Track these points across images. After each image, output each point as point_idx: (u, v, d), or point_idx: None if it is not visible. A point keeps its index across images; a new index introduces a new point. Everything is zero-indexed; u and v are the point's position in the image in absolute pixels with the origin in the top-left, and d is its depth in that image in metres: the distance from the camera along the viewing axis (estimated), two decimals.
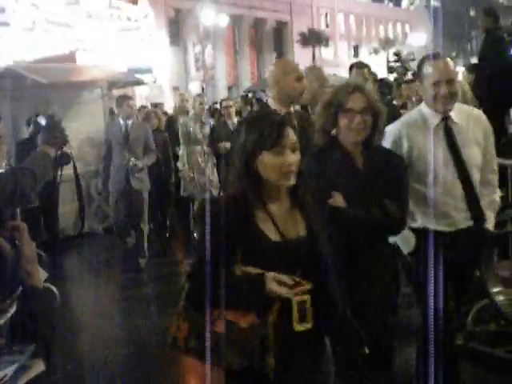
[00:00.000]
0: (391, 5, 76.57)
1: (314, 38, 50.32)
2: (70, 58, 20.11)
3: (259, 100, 12.41)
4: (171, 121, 11.93)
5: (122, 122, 9.06)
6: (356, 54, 59.93)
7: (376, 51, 56.39)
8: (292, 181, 2.69)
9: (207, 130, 10.23)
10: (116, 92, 15.46)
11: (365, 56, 52.15)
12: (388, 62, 14.97)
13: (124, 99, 9.28)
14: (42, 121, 7.90)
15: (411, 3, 78.65)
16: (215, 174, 10.22)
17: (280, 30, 52.39)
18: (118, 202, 9.17)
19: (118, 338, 6.70)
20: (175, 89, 25.53)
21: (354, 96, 3.66)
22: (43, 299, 2.13)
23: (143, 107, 14.77)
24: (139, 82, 18.11)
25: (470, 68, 8.89)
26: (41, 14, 24.82)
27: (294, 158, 2.68)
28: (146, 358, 6.04)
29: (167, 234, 11.29)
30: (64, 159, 6.47)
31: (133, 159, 8.89)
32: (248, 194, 2.69)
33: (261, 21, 49.37)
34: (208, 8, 37.54)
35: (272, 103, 4.72)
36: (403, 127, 4.10)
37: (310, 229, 2.77)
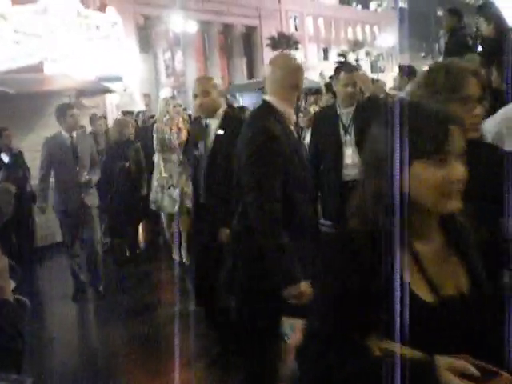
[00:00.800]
0: (359, 7, 77.03)
1: (283, 42, 50.44)
2: (38, 67, 19.98)
3: (230, 106, 12.37)
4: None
5: (65, 134, 8.15)
6: (326, 57, 60.23)
7: (345, 53, 56.62)
8: (458, 204, 1.83)
9: (183, 136, 9.25)
10: (85, 101, 15.41)
11: (334, 58, 52.41)
12: (335, 62, 14.95)
13: (66, 109, 8.27)
14: (5, 158, 8.08)
15: (379, 5, 79.20)
16: (190, 184, 9.21)
17: (249, 34, 52.44)
18: (70, 221, 8.27)
19: (89, 349, 6.66)
20: (146, 96, 25.49)
21: (471, 80, 2.59)
22: (14, 311, 2.11)
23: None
24: (107, 90, 18.03)
25: None
26: (9, 25, 24.70)
27: (461, 170, 1.83)
28: (117, 368, 6.02)
29: (137, 250, 10.90)
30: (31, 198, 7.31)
31: (85, 174, 8.16)
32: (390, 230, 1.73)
33: (230, 26, 49.40)
34: (177, 15, 37.48)
35: (276, 102, 4.04)
36: (503, 124, 3.42)
37: (475, 281, 1.88)
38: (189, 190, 9.10)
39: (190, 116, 10.33)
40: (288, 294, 3.53)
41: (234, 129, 4.72)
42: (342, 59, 15.15)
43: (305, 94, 14.89)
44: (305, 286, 3.49)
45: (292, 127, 4.12)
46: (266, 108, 4.07)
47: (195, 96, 5.53)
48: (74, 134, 8.21)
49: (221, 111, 5.51)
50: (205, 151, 5.47)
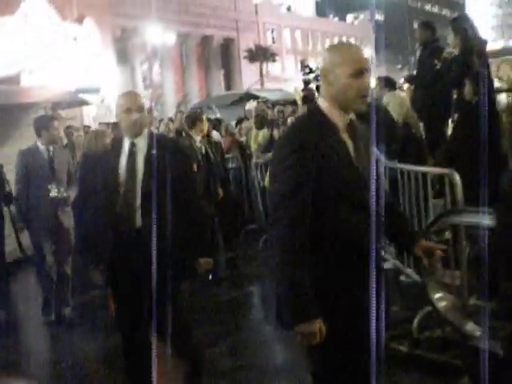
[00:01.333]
0: (336, 19, 77.60)
1: (260, 54, 50.69)
2: (15, 79, 19.95)
3: (209, 119, 12.22)
4: None
5: (42, 147, 7.50)
6: (303, 68, 60.51)
7: (308, 65, 56.89)
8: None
9: None
10: (62, 113, 15.38)
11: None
12: (303, 74, 14.97)
13: (48, 120, 7.74)
14: None
15: (356, 18, 79.86)
16: None
17: (227, 46, 52.61)
18: (43, 241, 7.54)
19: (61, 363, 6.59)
20: None
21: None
22: None
23: (87, 127, 14.39)
24: (84, 103, 17.92)
25: (409, 79, 9.08)
26: None
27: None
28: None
29: None
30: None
31: (62, 190, 7.42)
32: None
33: (207, 38, 49.54)
34: (154, 26, 37.56)
35: (325, 107, 3.11)
36: None
37: None
38: None
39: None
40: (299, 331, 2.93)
41: (167, 150, 4.41)
42: (307, 71, 15.19)
43: (282, 106, 14.94)
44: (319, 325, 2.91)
45: (345, 137, 3.12)
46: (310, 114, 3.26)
47: (128, 110, 4.52)
48: (51, 147, 7.55)
49: (146, 130, 4.66)
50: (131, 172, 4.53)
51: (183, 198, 4.39)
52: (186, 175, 4.62)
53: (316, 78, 14.48)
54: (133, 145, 4.43)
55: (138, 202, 4.36)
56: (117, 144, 4.56)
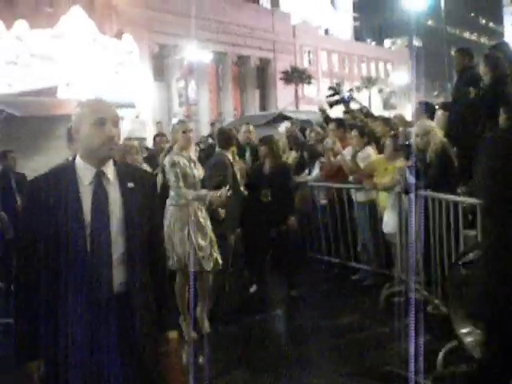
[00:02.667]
0: (374, 44, 77.61)
1: (296, 76, 50.78)
2: (52, 91, 20.14)
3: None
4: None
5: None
6: (339, 90, 60.44)
7: (358, 89, 56.82)
8: None
9: (200, 171, 7.16)
10: None
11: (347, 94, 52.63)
12: (326, 97, 14.91)
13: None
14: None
15: (393, 43, 79.80)
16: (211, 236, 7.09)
17: (263, 67, 52.79)
18: None
19: None
20: (158, 124, 25.54)
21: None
22: None
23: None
24: None
25: (444, 106, 8.94)
26: (24, 48, 24.98)
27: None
28: None
29: None
30: None
31: None
32: None
33: (244, 58, 49.76)
34: (192, 44, 37.81)
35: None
36: None
37: None
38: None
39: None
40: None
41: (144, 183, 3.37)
42: (331, 92, 15.09)
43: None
44: None
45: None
46: None
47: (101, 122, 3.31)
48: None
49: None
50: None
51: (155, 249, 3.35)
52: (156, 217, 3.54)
53: (340, 101, 14.33)
54: (100, 173, 3.10)
55: (117, 257, 3.06)
56: (70, 172, 3.11)
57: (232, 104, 48.28)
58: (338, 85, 22.90)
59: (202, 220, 6.99)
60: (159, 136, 11.53)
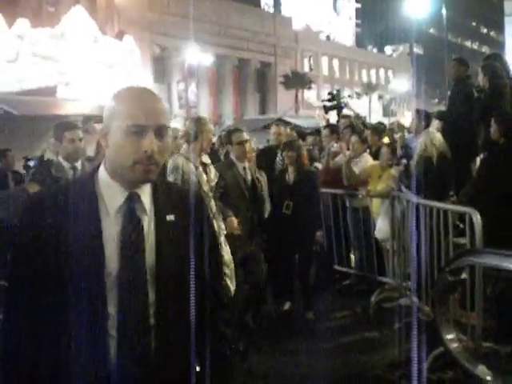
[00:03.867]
0: (375, 51, 77.73)
1: (297, 81, 50.82)
2: (51, 91, 20.22)
3: None
4: None
5: (65, 164, 5.66)
6: (338, 96, 60.57)
7: (358, 95, 56.94)
8: None
9: (213, 176, 6.18)
10: (97, 126, 15.48)
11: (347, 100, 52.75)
12: (322, 101, 14.93)
13: (63, 129, 5.70)
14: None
15: (394, 50, 79.90)
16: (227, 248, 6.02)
17: (264, 71, 52.90)
18: None
19: None
20: None
21: None
22: None
23: None
24: None
25: (439, 116, 9.01)
26: (25, 46, 25.04)
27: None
28: None
29: None
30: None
31: None
32: None
33: (245, 61, 49.86)
34: (193, 47, 37.89)
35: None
36: None
37: None
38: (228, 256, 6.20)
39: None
40: None
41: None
42: (328, 97, 15.04)
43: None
44: None
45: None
46: None
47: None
48: (78, 165, 5.74)
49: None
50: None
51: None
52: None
53: (336, 107, 14.40)
54: (132, 199, 2.22)
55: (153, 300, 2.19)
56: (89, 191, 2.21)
57: (232, 107, 48.36)
58: (339, 91, 22.96)
59: None
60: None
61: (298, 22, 58.32)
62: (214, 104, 47.01)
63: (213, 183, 6.06)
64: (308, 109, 50.80)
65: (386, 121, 42.13)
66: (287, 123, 18.66)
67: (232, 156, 6.78)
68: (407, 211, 7.08)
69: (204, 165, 6.04)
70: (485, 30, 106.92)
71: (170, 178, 5.76)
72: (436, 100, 73.61)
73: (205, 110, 44.75)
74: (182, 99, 43.10)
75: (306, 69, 57.74)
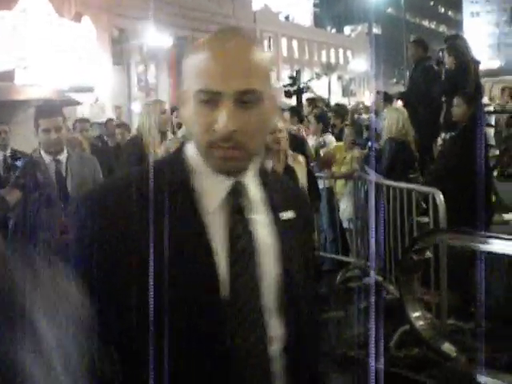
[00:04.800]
0: (334, 31, 77.87)
1: None
2: (8, 76, 19.85)
3: None
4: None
5: (47, 157, 4.92)
6: (298, 78, 60.65)
7: (318, 76, 57.06)
8: None
9: None
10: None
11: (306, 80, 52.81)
12: (284, 86, 14.87)
13: (39, 115, 4.95)
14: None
15: (353, 30, 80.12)
16: None
17: None
18: None
19: None
20: (117, 108, 25.27)
21: None
22: None
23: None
24: (75, 102, 17.72)
25: (400, 96, 9.13)
26: None
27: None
28: None
29: None
30: None
31: None
32: None
33: None
34: (152, 29, 37.54)
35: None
36: None
37: None
38: None
39: None
40: None
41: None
42: (290, 82, 14.96)
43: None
44: None
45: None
46: None
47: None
48: (63, 158, 4.97)
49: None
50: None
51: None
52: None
53: (298, 91, 14.37)
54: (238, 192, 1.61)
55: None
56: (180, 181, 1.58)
57: None
58: (298, 72, 23.00)
59: None
60: (120, 127, 11.07)
61: (257, 2, 58.06)
62: (174, 86, 46.71)
63: None
64: None
65: (345, 101, 42.41)
66: None
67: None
68: (371, 192, 7.17)
69: None
70: (443, 10, 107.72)
71: None
72: (394, 80, 74.04)
73: (164, 93, 44.46)
74: (141, 82, 42.75)
75: (266, 49, 57.61)
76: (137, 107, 40.17)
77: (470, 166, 5.60)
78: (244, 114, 1.46)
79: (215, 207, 1.54)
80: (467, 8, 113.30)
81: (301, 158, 5.83)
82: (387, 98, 9.16)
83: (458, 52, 7.63)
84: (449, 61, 7.67)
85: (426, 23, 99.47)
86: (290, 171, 5.26)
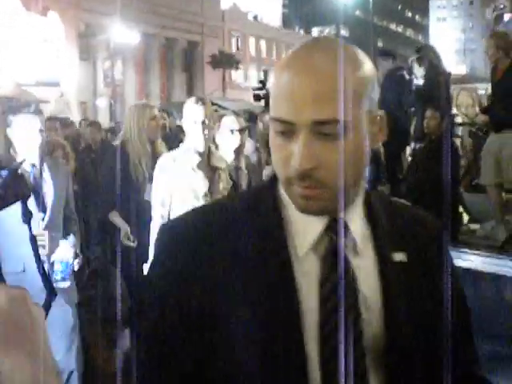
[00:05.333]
0: (302, 32, 78.02)
1: (224, 61, 50.61)
2: None
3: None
4: None
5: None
6: (266, 78, 60.72)
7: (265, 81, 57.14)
8: None
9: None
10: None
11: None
12: (253, 89, 14.76)
13: (11, 112, 4.30)
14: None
15: (321, 32, 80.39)
16: None
17: (191, 50, 52.45)
18: None
19: None
20: (82, 104, 24.90)
21: None
22: None
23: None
24: (40, 100, 17.34)
25: None
26: None
27: None
28: None
29: None
30: None
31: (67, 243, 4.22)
32: None
33: (172, 40, 49.32)
34: (119, 24, 37.24)
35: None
36: None
37: None
38: None
39: None
40: None
41: None
42: (259, 85, 14.86)
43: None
44: None
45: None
46: None
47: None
48: (37, 162, 4.24)
49: None
50: None
51: None
52: None
53: (267, 95, 14.24)
54: (335, 231, 1.27)
55: None
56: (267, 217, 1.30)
57: (159, 86, 47.84)
58: (266, 73, 22.98)
59: None
60: (92, 126, 10.08)
61: (226, 1, 57.94)
62: (141, 83, 46.40)
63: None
64: (235, 89, 50.72)
65: None
66: (217, 106, 18.53)
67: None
68: None
69: (214, 169, 4.33)
70: (410, 14, 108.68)
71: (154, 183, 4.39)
72: None
73: (131, 89, 44.16)
74: (107, 78, 42.38)
75: (234, 49, 57.55)
76: (102, 103, 39.91)
77: (442, 177, 5.62)
78: (324, 148, 1.19)
79: (306, 250, 1.26)
80: (434, 13, 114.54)
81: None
82: None
83: (429, 63, 7.66)
84: (419, 72, 7.70)
85: (393, 27, 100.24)
86: None
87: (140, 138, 5.00)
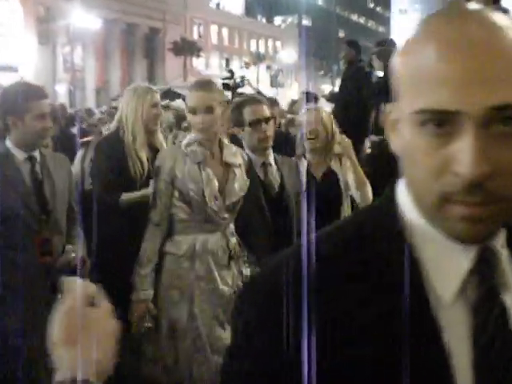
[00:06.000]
0: (264, 20, 77.95)
1: (186, 48, 50.35)
2: None
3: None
4: None
5: (19, 154, 3.67)
6: (228, 66, 60.54)
7: (247, 65, 57.11)
8: None
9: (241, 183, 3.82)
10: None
11: (236, 69, 52.74)
12: (221, 79, 14.72)
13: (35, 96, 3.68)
14: None
15: (284, 21, 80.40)
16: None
17: (152, 36, 52.08)
18: None
19: None
20: None
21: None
22: None
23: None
24: None
25: (329, 97, 9.18)
26: None
27: None
28: None
29: None
30: None
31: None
32: None
33: (133, 26, 48.90)
34: (80, 9, 36.78)
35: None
36: None
37: None
38: None
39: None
40: None
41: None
42: (228, 75, 14.69)
43: None
44: None
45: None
46: None
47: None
48: (37, 155, 3.78)
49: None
50: None
51: None
52: None
53: (236, 86, 14.15)
54: (487, 265, 0.98)
55: None
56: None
57: (119, 72, 47.41)
58: (227, 61, 22.95)
59: (222, 288, 3.58)
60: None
61: None
62: (101, 69, 45.95)
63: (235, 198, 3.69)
64: (196, 77, 50.51)
65: (273, 91, 42.53)
66: (179, 95, 18.36)
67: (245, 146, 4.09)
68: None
69: (227, 165, 3.70)
70: (372, 5, 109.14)
71: (150, 187, 3.88)
72: (322, 72, 74.87)
73: (91, 75, 43.72)
74: (67, 63, 41.88)
75: (196, 36, 57.29)
76: (61, 88, 39.41)
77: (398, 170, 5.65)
78: (502, 147, 0.88)
79: (453, 292, 0.95)
80: (395, 5, 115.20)
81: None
82: (311, 98, 9.14)
83: (387, 57, 7.70)
84: (378, 65, 7.74)
85: (355, 18, 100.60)
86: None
87: (139, 127, 4.33)
